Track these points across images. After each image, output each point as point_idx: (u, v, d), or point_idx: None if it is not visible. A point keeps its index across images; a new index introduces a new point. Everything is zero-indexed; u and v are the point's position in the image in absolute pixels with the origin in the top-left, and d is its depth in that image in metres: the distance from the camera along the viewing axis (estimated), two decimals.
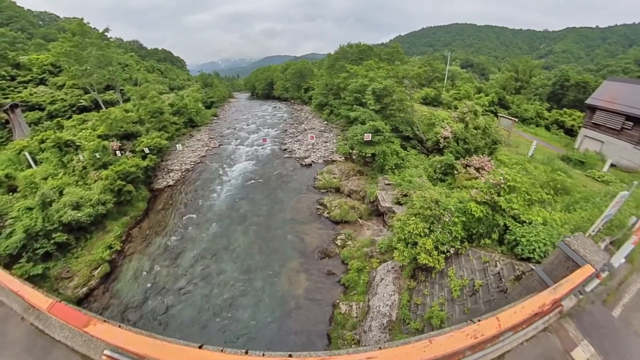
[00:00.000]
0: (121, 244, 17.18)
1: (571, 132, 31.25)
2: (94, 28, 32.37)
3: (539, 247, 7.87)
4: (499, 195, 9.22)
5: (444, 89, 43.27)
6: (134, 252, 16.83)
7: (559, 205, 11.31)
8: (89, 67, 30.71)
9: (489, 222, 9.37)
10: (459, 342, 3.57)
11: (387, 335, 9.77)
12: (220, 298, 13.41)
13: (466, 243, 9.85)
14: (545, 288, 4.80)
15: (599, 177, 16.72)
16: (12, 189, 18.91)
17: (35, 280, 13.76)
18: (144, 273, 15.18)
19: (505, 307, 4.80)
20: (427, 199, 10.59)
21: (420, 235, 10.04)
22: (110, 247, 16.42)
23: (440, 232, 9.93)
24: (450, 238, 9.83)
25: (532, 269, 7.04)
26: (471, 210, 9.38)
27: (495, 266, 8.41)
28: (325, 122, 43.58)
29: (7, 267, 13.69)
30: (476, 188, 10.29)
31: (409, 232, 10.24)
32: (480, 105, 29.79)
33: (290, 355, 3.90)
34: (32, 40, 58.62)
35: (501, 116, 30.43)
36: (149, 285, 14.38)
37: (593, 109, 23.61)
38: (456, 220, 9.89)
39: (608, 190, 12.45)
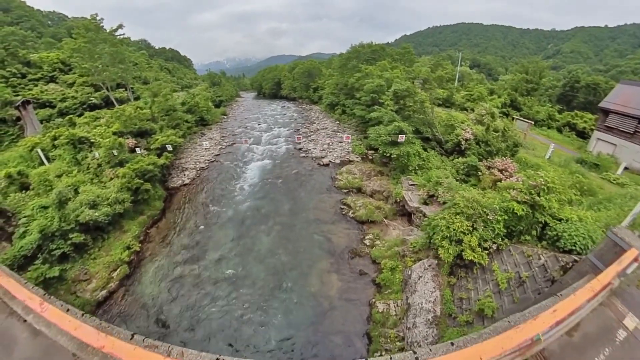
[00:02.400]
0: (139, 245, 16.40)
1: (583, 135, 31.19)
2: (103, 27, 31.66)
3: (580, 241, 8.76)
4: (538, 195, 9.87)
5: (454, 90, 42.58)
6: (153, 253, 16.04)
7: (584, 205, 12.09)
8: (102, 64, 30.17)
9: (530, 220, 10.03)
10: (585, 296, 4.80)
11: (434, 330, 9.90)
12: (249, 301, 12.70)
13: (506, 240, 10.38)
14: (597, 271, 5.88)
15: (614, 180, 17.04)
16: (25, 187, 18.26)
17: (51, 283, 13.04)
18: (165, 275, 14.37)
19: (589, 275, 5.92)
20: (469, 198, 11.08)
21: (464, 233, 10.48)
22: (128, 248, 15.63)
23: (482, 230, 10.43)
24: (493, 235, 10.35)
25: (575, 259, 8.13)
26: (513, 209, 9.96)
27: (539, 259, 9.03)
28: (337, 122, 42.81)
29: (22, 268, 12.98)
30: (515, 189, 10.77)
31: (454, 230, 10.65)
32: (495, 107, 29.46)
33: (415, 353, 3.99)
34: (42, 39, 58.56)
35: (517, 119, 30.24)
36: (171, 288, 13.57)
37: (606, 112, 23.68)
38: (499, 218, 10.41)
39: (627, 192, 13.84)
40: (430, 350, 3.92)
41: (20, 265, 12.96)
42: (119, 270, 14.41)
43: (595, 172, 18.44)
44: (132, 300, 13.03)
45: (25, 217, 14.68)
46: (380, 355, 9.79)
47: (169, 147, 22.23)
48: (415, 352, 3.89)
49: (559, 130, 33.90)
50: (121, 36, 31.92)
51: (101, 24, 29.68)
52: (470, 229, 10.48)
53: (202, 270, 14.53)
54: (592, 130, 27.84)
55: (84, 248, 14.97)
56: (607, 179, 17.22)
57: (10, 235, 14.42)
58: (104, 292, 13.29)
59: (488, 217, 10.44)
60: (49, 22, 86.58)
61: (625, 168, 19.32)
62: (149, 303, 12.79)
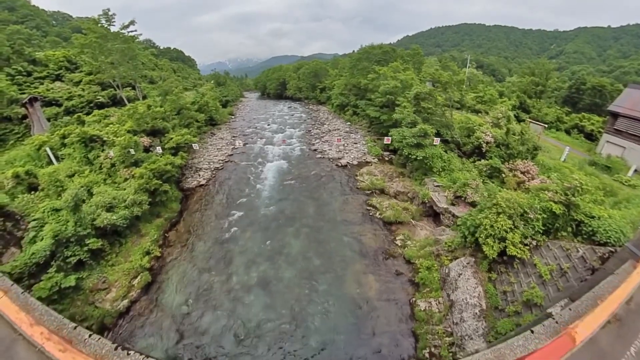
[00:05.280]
0: (159, 249, 15.39)
1: (591, 137, 31.31)
2: (106, 27, 30.64)
3: (613, 234, 9.77)
4: (573, 196, 10.69)
5: (464, 92, 42.11)
6: (174, 259, 15.04)
7: (606, 204, 12.63)
8: (113, 60, 29.25)
9: (565, 218, 10.86)
10: (638, 274, 6.09)
11: (483, 322, 10.18)
12: (285, 307, 11.97)
13: (544, 236, 11.10)
14: (636, 257, 6.71)
15: (625, 182, 17.65)
16: (33, 187, 17.20)
17: (67, 293, 11.95)
18: (191, 282, 13.38)
19: (631, 260, 6.76)
20: (509, 199, 11.60)
21: (506, 231, 11.01)
22: (148, 253, 14.67)
23: (523, 227, 11.10)
24: (533, 232, 11.05)
25: (611, 250, 9.04)
26: (552, 208, 10.81)
27: (578, 252, 9.83)
28: (349, 123, 41.96)
29: (34, 277, 11.89)
30: (549, 190, 11.64)
31: (498, 228, 11.08)
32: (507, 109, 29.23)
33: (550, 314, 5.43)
34: (47, 38, 57.79)
35: (530, 122, 30.41)
36: (199, 296, 12.59)
37: (615, 115, 23.99)
38: (538, 216, 11.14)
39: None
40: (570, 309, 4.97)
41: (31, 274, 11.89)
42: (139, 277, 13.40)
43: (607, 174, 18.92)
44: (156, 311, 12.01)
45: (35, 220, 13.63)
46: (429, 351, 9.81)
47: (195, 146, 21.40)
48: (550, 313, 4.85)
49: (567, 132, 34.05)
50: (132, 33, 31.01)
51: (113, 20, 28.74)
52: (512, 227, 11.04)
53: (230, 276, 13.60)
54: (599, 132, 28.28)
55: (101, 254, 13.95)
56: (619, 181, 17.69)
57: (19, 240, 13.32)
58: (125, 302, 12.30)
59: (529, 215, 11.11)
60: (54, 22, 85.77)
61: (635, 170, 19.64)
62: (175, 314, 11.78)
